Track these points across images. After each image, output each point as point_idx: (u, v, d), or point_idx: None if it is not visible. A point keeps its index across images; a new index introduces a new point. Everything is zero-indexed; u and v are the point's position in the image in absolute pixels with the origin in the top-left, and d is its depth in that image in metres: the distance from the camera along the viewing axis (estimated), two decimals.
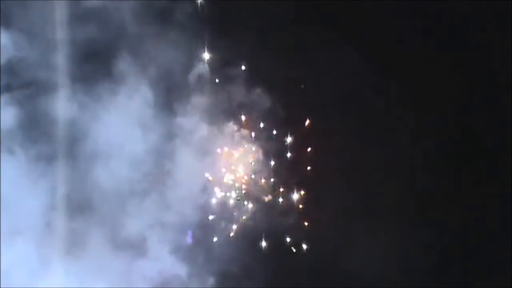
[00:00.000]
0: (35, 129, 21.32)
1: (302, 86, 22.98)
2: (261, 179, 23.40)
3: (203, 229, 22.70)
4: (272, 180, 23.40)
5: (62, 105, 21.55)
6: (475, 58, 22.63)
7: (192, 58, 22.52)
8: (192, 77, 22.55)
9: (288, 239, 23.03)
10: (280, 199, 23.35)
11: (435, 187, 22.60)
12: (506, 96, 22.40)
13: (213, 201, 22.88)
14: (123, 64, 21.99)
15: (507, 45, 22.29)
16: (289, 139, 23.22)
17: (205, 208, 22.71)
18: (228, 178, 23.25)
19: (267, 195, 23.46)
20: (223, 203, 22.99)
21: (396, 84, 22.85)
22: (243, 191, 23.29)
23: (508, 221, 21.81)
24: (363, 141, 22.69)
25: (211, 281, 22.25)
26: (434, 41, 22.94)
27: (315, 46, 22.89)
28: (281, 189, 23.39)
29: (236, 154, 23.34)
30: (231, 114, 23.12)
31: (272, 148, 23.39)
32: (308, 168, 23.28)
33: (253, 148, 23.32)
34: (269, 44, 22.63)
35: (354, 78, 22.76)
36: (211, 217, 22.77)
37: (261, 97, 22.78)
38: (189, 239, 22.48)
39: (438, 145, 22.78)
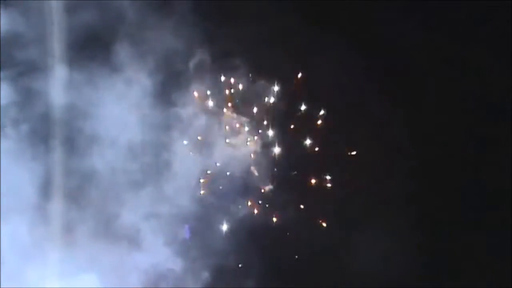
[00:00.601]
0: (30, 114, 20.72)
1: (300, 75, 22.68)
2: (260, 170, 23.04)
3: (200, 222, 22.18)
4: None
5: (57, 91, 20.86)
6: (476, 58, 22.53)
7: (192, 47, 21.99)
8: (192, 66, 22.06)
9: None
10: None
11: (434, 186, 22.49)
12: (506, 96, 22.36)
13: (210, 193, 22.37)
14: (122, 51, 21.49)
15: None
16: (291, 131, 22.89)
17: (202, 201, 22.16)
18: (227, 170, 22.82)
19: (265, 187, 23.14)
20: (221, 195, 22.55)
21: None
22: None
23: (508, 221, 21.72)
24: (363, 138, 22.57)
25: (205, 275, 21.75)
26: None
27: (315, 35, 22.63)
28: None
29: (236, 145, 22.92)
30: (231, 104, 22.71)
31: (272, 140, 23.00)
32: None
33: (254, 139, 22.94)
34: (269, 34, 22.30)
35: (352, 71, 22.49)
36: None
37: (261, 87, 22.45)
38: (186, 235, 21.98)
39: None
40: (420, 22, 22.82)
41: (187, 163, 21.92)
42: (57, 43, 20.77)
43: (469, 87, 22.62)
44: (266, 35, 22.35)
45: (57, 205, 20.38)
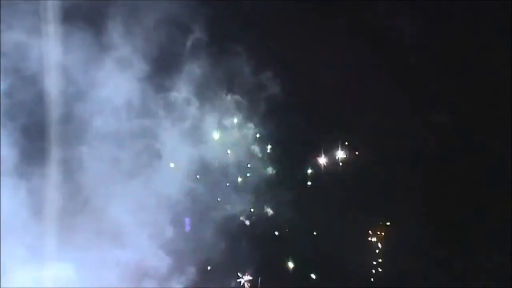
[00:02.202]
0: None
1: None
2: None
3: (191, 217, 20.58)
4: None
5: (46, 76, 19.30)
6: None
7: (187, 30, 20.39)
8: (186, 49, 20.40)
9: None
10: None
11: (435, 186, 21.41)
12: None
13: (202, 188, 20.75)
14: (113, 33, 19.87)
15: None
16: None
17: (193, 196, 20.50)
18: (221, 163, 21.16)
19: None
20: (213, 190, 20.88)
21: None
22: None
23: (508, 221, 20.80)
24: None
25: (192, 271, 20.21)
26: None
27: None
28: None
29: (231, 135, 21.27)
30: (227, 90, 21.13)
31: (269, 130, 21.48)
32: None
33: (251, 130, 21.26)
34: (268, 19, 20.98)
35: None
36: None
37: (259, 73, 20.91)
38: (187, 227, 20.55)
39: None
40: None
41: (178, 154, 20.36)
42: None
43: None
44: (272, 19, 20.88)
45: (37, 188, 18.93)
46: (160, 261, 19.73)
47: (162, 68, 20.26)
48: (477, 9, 21.32)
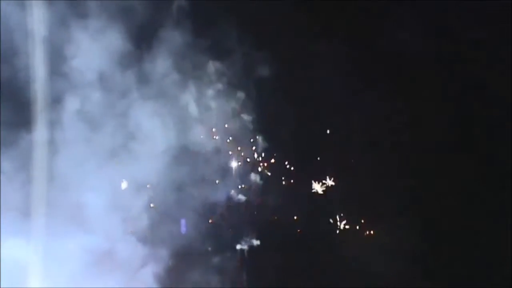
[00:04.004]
0: None
1: None
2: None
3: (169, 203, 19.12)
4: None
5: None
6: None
7: None
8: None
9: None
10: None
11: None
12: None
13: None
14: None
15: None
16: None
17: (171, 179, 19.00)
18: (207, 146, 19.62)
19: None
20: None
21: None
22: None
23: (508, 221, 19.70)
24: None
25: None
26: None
27: None
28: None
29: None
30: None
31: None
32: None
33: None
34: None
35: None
36: None
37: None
38: (183, 229, 19.32)
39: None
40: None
41: (156, 133, 18.73)
42: None
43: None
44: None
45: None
46: (133, 249, 18.40)
47: (140, 39, 18.51)
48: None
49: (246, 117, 20.43)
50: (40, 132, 17.57)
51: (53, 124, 17.79)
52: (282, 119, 20.62)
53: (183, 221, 19.32)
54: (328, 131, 20.98)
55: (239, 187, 20.42)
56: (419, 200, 19.89)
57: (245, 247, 20.26)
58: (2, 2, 17.40)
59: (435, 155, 19.98)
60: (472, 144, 20.04)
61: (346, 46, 20.00)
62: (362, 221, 20.14)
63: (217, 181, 19.89)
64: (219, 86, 19.89)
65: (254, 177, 20.67)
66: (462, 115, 20.10)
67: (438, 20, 20.07)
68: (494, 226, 19.43)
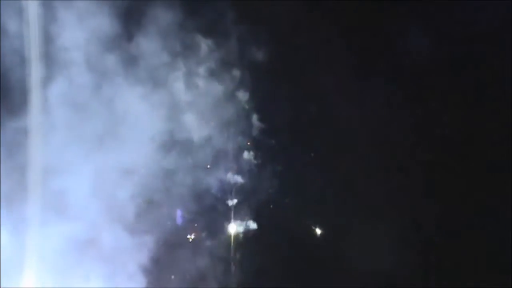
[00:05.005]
0: None
1: None
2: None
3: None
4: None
5: None
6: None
7: None
8: None
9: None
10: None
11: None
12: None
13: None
14: None
15: None
16: None
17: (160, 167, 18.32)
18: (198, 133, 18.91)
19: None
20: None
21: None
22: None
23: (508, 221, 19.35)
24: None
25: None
26: None
27: None
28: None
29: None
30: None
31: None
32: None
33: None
34: None
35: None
36: None
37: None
38: (179, 220, 19.05)
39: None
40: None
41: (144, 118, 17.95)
42: None
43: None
44: None
45: None
46: (117, 238, 17.83)
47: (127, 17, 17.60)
48: None
49: (241, 96, 19.74)
50: (20, 118, 16.83)
51: (34, 108, 16.97)
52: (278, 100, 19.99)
53: (178, 212, 18.82)
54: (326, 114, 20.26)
55: (232, 170, 19.87)
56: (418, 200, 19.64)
57: (241, 230, 19.87)
58: None
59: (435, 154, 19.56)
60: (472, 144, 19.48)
61: (347, 32, 19.25)
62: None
63: (208, 166, 19.26)
64: (212, 64, 19.08)
65: (248, 158, 20.11)
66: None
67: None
68: (494, 226, 19.03)
